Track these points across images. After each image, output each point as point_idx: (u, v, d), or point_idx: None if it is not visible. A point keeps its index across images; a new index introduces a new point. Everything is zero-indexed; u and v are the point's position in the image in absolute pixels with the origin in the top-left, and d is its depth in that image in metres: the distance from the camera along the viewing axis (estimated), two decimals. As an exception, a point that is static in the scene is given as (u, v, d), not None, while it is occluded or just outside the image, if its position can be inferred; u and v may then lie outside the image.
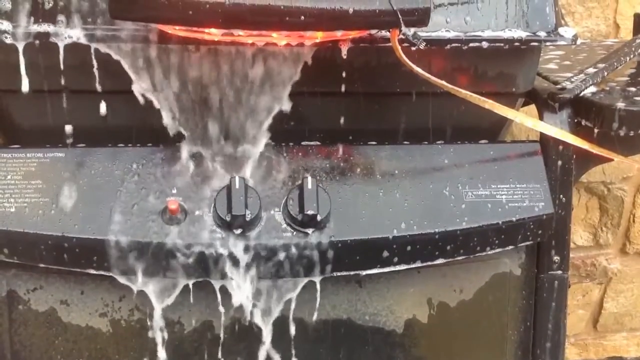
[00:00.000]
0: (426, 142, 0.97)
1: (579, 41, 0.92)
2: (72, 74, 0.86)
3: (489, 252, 0.96)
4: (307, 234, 0.88)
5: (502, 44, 0.89)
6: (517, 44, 0.90)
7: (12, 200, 0.87)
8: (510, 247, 0.97)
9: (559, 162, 0.98)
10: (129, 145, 0.92)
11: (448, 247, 0.93)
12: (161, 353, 0.94)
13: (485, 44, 0.89)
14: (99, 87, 0.88)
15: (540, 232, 0.97)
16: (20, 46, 0.83)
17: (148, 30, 0.83)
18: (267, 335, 0.94)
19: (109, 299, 0.92)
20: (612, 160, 0.99)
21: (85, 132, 0.91)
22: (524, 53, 0.94)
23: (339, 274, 0.91)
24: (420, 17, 0.80)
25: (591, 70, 1.03)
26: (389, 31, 0.83)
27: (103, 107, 0.91)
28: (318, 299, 0.95)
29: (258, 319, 0.93)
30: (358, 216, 0.90)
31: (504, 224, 0.94)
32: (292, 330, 0.95)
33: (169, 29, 0.83)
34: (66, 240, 0.86)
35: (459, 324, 1.01)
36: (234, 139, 0.92)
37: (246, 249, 0.87)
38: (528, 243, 0.98)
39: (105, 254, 0.86)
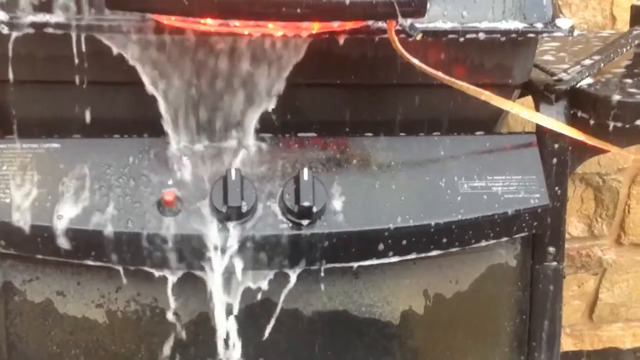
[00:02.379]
0: (422, 134, 0.97)
1: (575, 32, 0.92)
2: (68, 65, 0.85)
3: (485, 244, 0.96)
4: (302, 225, 0.88)
5: (499, 35, 0.89)
6: (513, 35, 0.89)
7: (7, 191, 0.87)
8: (506, 238, 0.97)
9: (555, 154, 0.98)
10: (125, 136, 0.92)
11: (444, 239, 0.93)
12: (158, 344, 0.94)
13: (482, 35, 0.88)
14: (94, 78, 0.88)
15: (535, 223, 0.97)
16: (15, 36, 0.83)
17: (144, 21, 0.83)
18: (262, 325, 0.94)
19: (105, 290, 0.92)
20: (607, 151, 1.00)
21: (80, 123, 0.90)
22: (520, 44, 0.94)
23: (334, 265, 0.91)
24: (417, 8, 0.80)
25: (587, 61, 1.03)
26: (386, 22, 0.83)
27: (98, 98, 0.91)
28: (313, 290, 0.95)
29: (254, 310, 0.93)
30: (354, 208, 0.90)
31: (500, 215, 0.94)
32: (288, 321, 0.95)
33: (165, 19, 0.82)
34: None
35: (455, 315, 1.02)
36: (231, 130, 0.91)
37: (242, 240, 0.87)
38: (523, 234, 0.98)
39: (102, 245, 0.86)
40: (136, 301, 0.93)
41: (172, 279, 0.89)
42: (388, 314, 0.99)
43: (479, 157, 0.96)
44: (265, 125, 0.92)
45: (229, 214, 0.87)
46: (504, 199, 0.94)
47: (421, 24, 0.85)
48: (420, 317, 1.00)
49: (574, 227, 1.73)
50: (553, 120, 0.96)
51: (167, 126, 0.90)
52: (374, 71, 0.92)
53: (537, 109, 0.99)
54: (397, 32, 0.83)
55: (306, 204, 0.87)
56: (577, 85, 0.98)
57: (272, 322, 0.95)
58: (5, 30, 0.82)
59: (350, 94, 0.95)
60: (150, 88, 0.88)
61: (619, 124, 0.95)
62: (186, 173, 0.90)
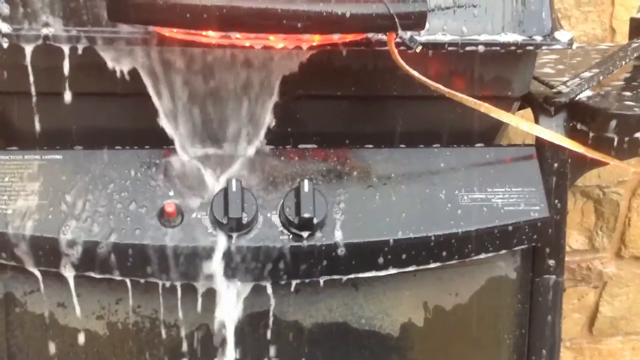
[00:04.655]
0: (422, 146, 0.97)
1: (574, 45, 0.93)
2: (70, 77, 0.86)
3: (485, 256, 0.95)
4: (303, 237, 0.88)
5: (498, 48, 0.90)
6: (513, 47, 0.90)
7: (9, 202, 0.87)
8: (506, 251, 0.97)
9: (555, 166, 0.98)
10: (127, 147, 0.92)
11: (444, 252, 0.93)
12: (158, 355, 0.94)
13: (481, 48, 0.89)
14: (95, 90, 0.89)
15: (535, 236, 0.97)
16: (18, 48, 0.83)
17: (146, 33, 0.83)
18: (263, 337, 0.94)
19: (106, 301, 0.92)
20: (607, 164, 1.00)
21: (82, 135, 0.91)
22: (520, 57, 0.94)
23: (334, 277, 0.91)
24: (417, 21, 0.81)
25: (587, 74, 1.03)
26: (386, 35, 0.83)
27: (100, 110, 0.91)
28: (313, 302, 0.95)
29: (254, 322, 0.93)
30: (354, 219, 0.90)
31: (500, 228, 0.94)
32: (288, 333, 0.95)
33: (167, 31, 0.83)
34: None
35: (455, 327, 1.01)
36: (231, 142, 0.92)
37: (242, 252, 0.87)
38: (523, 247, 0.98)
39: (102, 256, 0.86)
40: (136, 313, 0.93)
41: (172, 290, 0.89)
42: (388, 326, 0.99)
43: (479, 169, 0.97)
44: (266, 136, 0.92)
45: (229, 225, 0.87)
46: (504, 212, 0.94)
47: (421, 36, 0.85)
48: (420, 329, 1.00)
49: (575, 240, 1.73)
50: (552, 133, 0.96)
51: (168, 137, 0.91)
52: (374, 83, 0.93)
53: (536, 121, 0.99)
54: (397, 45, 0.84)
55: (307, 215, 0.87)
56: (576, 98, 0.99)
57: (273, 333, 0.94)
58: (7, 42, 0.83)
59: (350, 106, 0.96)
60: (151, 99, 0.88)
61: (619, 137, 0.95)
62: (187, 184, 0.90)
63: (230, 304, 0.90)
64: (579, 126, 0.98)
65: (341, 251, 0.89)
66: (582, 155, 0.96)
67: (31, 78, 0.86)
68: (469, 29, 0.90)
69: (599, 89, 1.03)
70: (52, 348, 0.93)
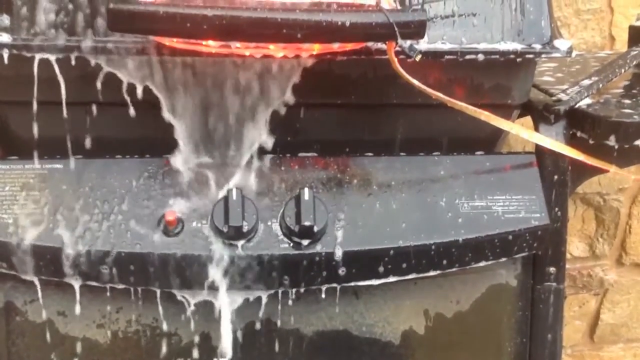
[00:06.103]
0: (422, 154, 0.97)
1: (574, 53, 0.93)
2: (70, 86, 0.86)
3: (485, 264, 0.95)
4: (303, 245, 0.89)
5: (497, 56, 0.90)
6: (512, 56, 0.90)
7: (9, 212, 0.87)
8: (506, 258, 0.97)
9: (555, 174, 0.98)
10: (127, 156, 0.92)
11: (444, 260, 0.93)
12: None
13: (481, 57, 0.89)
14: (96, 99, 0.89)
15: (536, 243, 0.97)
16: (18, 59, 0.83)
17: (146, 43, 0.83)
18: (263, 345, 0.94)
19: (106, 310, 0.92)
20: (607, 171, 1.00)
21: (82, 144, 0.91)
22: (519, 65, 0.94)
23: (335, 285, 0.91)
24: (416, 30, 0.81)
25: (586, 82, 1.03)
26: (386, 43, 0.84)
27: (100, 119, 0.91)
28: (314, 310, 0.95)
29: (254, 330, 0.93)
30: (354, 227, 0.91)
31: (500, 235, 0.94)
32: (289, 341, 0.95)
33: (167, 41, 0.83)
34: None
35: (456, 335, 1.01)
36: (232, 150, 0.92)
37: (243, 260, 0.88)
38: (524, 254, 0.98)
39: (103, 265, 0.86)
40: (137, 321, 0.93)
41: (172, 298, 0.89)
42: (389, 333, 0.99)
43: (479, 177, 0.97)
44: (266, 145, 0.92)
45: (230, 234, 0.87)
46: (505, 219, 0.94)
47: (420, 45, 0.85)
48: (420, 337, 1.00)
49: (575, 247, 1.73)
50: (552, 141, 0.96)
51: (169, 146, 0.91)
52: (374, 91, 0.93)
53: (536, 129, 0.99)
54: (397, 53, 0.84)
55: (307, 223, 0.87)
56: (576, 106, 0.99)
57: (273, 342, 0.94)
58: (7, 53, 0.83)
59: (350, 114, 0.96)
60: (152, 109, 0.88)
61: (618, 144, 0.96)
62: (188, 193, 0.90)
63: (230, 312, 0.90)
64: (578, 134, 0.98)
65: (341, 259, 0.89)
66: (582, 162, 0.96)
67: (32, 87, 0.86)
68: (468, 38, 0.90)
69: (599, 96, 1.03)
70: (52, 356, 0.93)
